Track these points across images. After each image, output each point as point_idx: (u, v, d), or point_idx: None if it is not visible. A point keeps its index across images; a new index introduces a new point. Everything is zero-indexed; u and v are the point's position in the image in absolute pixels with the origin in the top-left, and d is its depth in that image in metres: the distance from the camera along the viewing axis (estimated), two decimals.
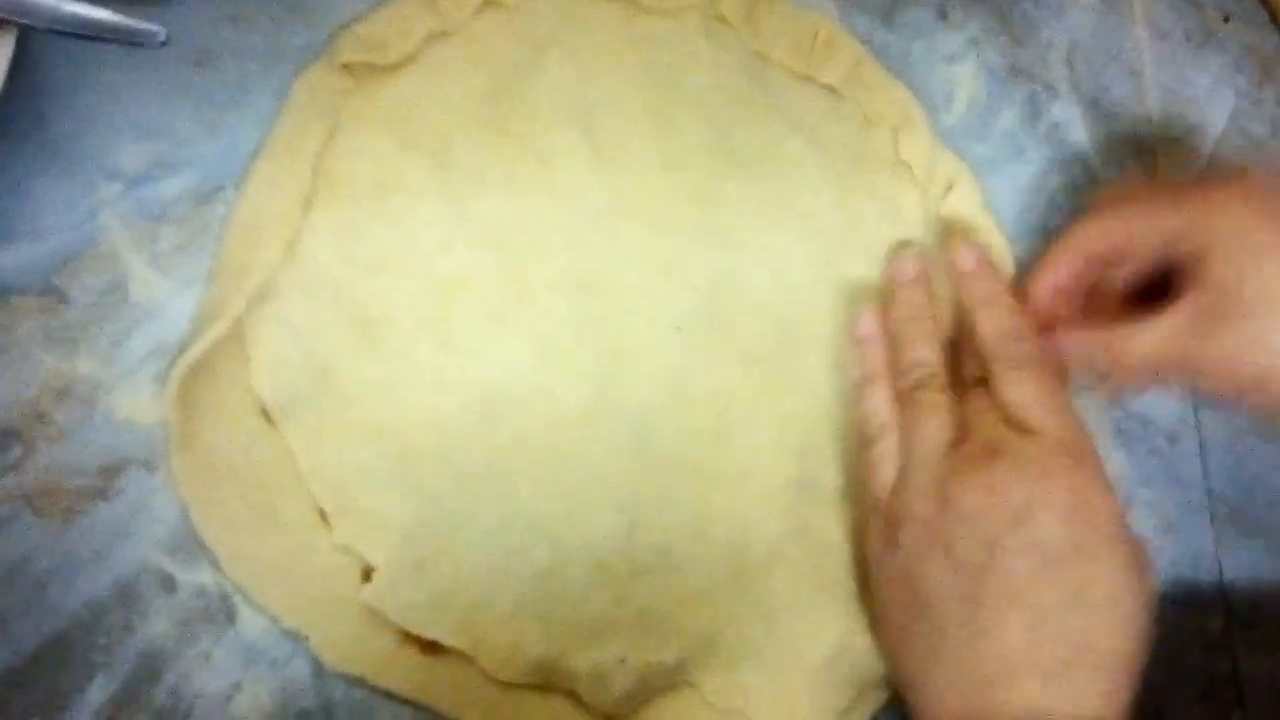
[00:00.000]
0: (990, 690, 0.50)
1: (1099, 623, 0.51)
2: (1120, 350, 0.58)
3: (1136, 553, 0.53)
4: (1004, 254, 0.68)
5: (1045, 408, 0.56)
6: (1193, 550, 0.67)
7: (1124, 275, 0.60)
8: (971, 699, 0.51)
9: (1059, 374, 0.60)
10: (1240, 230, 0.55)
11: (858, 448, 0.61)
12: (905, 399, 0.59)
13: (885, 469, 0.58)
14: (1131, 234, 0.58)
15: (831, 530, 0.62)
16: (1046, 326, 0.60)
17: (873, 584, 0.58)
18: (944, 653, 0.52)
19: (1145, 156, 0.72)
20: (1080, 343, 0.60)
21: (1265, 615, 0.66)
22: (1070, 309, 0.61)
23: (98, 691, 0.51)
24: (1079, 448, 0.55)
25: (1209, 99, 0.74)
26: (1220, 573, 0.67)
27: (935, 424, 0.57)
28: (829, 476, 0.63)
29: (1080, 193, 0.71)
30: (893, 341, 0.61)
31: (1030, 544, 0.51)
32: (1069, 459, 0.54)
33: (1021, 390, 0.56)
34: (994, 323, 0.59)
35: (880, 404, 0.59)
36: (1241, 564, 0.67)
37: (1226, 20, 0.75)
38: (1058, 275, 0.61)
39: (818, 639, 0.61)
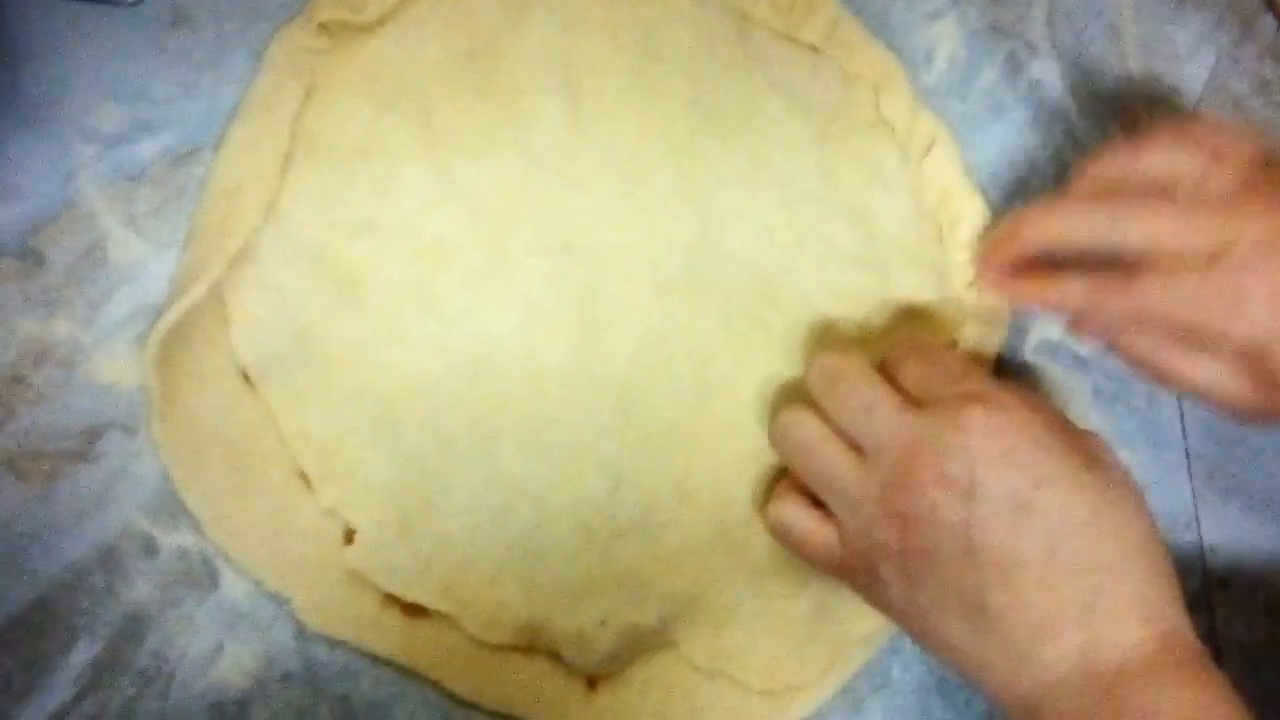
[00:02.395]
0: (1038, 657, 0.49)
1: (1101, 545, 0.49)
2: (1145, 302, 0.56)
3: (1092, 449, 0.52)
4: (982, 215, 0.68)
5: (939, 378, 0.55)
6: (1171, 509, 0.67)
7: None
8: (1026, 674, 0.49)
9: (944, 352, 0.60)
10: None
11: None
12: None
13: (821, 534, 0.56)
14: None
15: None
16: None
17: (892, 619, 0.56)
18: (984, 643, 0.50)
19: (1126, 114, 0.72)
20: (1101, 296, 0.58)
21: (1243, 574, 0.66)
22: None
23: (80, 654, 0.52)
24: (982, 393, 0.53)
25: (1190, 56, 0.74)
26: (1199, 532, 0.67)
27: (838, 455, 0.55)
28: None
29: (1061, 151, 0.70)
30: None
31: (992, 508, 0.50)
32: (977, 406, 0.51)
33: (912, 369, 0.56)
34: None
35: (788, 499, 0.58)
36: (1219, 523, 0.68)
37: None
38: (1011, 255, 0.61)
39: (798, 599, 0.61)
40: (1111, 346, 0.59)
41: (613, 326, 0.60)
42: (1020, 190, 0.70)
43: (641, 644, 0.58)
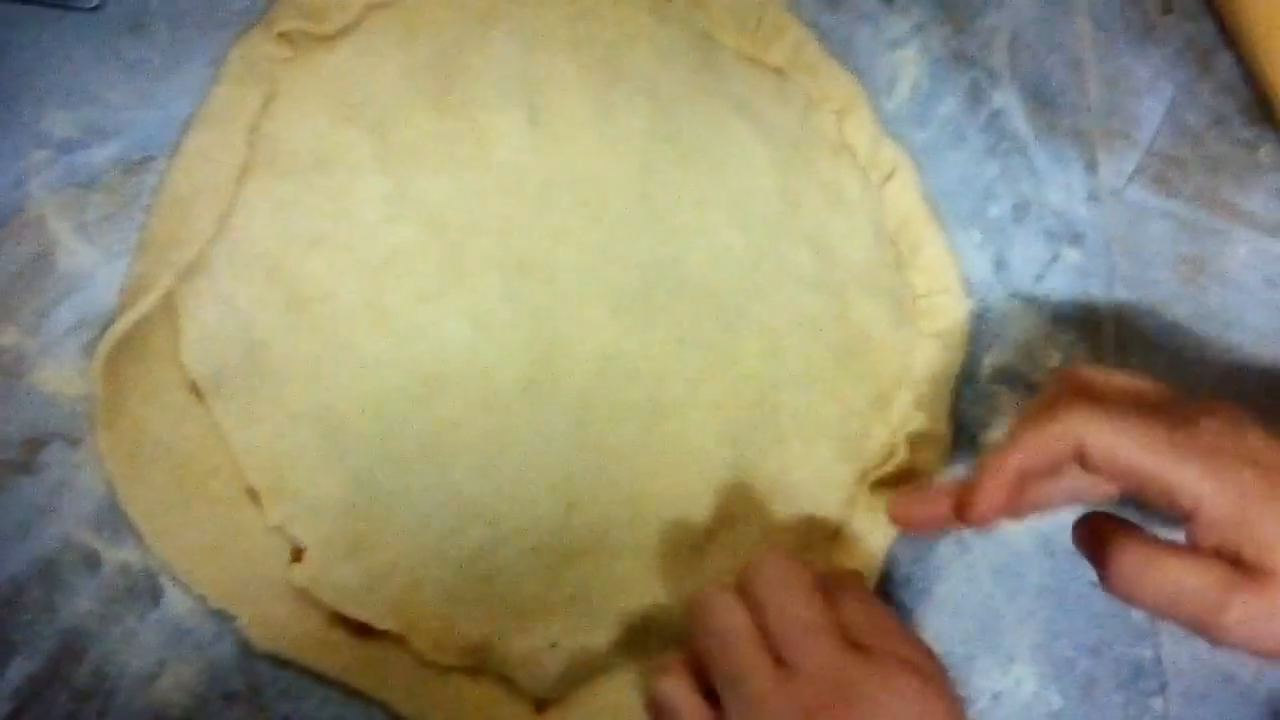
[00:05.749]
0: None
1: None
2: (1146, 581, 0.51)
3: None
4: (940, 244, 0.69)
5: (878, 628, 0.52)
6: None
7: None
8: None
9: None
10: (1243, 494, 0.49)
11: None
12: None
13: None
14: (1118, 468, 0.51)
15: (765, 516, 0.62)
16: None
17: None
18: None
19: (1084, 146, 0.72)
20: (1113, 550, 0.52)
21: None
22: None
23: (17, 670, 0.51)
24: (922, 666, 0.51)
25: (1148, 90, 0.74)
26: None
27: (759, 660, 0.51)
28: (763, 462, 0.63)
29: (1019, 181, 0.71)
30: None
31: None
32: (916, 678, 0.50)
33: (855, 605, 0.53)
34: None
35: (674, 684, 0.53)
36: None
37: (1166, 12, 0.75)
38: (1004, 489, 0.54)
39: None
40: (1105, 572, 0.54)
41: (568, 346, 0.60)
42: (977, 219, 0.70)
43: (592, 667, 0.58)
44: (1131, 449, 0.50)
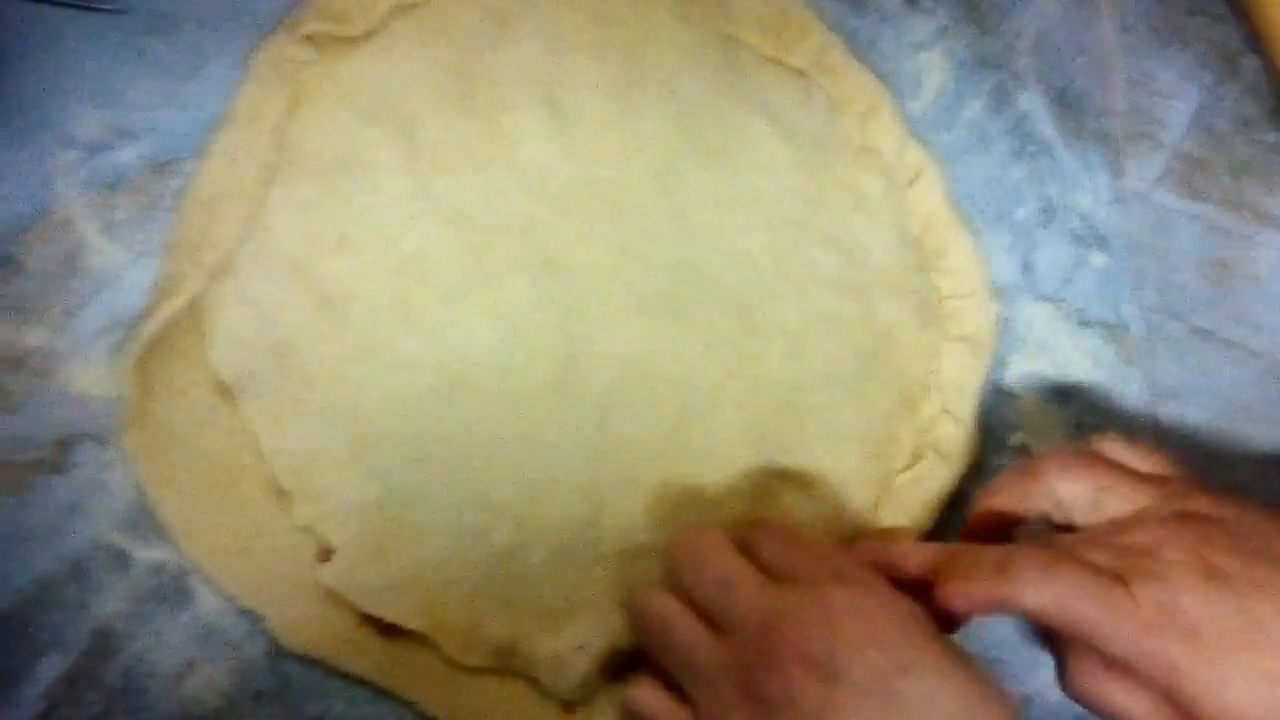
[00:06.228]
0: None
1: None
2: (1096, 696, 0.52)
3: (957, 647, 0.50)
4: (966, 247, 0.68)
5: (800, 556, 0.53)
6: None
7: None
8: None
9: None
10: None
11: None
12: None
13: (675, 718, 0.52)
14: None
15: (791, 517, 0.62)
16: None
17: None
18: None
19: (1110, 149, 0.72)
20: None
21: None
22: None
23: (48, 669, 0.51)
24: (847, 573, 0.51)
25: (1174, 93, 0.74)
26: None
27: (694, 632, 0.52)
28: (788, 461, 0.62)
29: (1045, 184, 0.71)
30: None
31: (852, 693, 0.47)
32: (841, 585, 0.50)
33: (774, 547, 0.54)
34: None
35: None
36: None
37: (1192, 15, 0.75)
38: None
39: None
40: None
41: (593, 347, 0.60)
42: (1001, 223, 0.70)
43: (619, 669, 0.58)
44: (1063, 608, 0.50)
